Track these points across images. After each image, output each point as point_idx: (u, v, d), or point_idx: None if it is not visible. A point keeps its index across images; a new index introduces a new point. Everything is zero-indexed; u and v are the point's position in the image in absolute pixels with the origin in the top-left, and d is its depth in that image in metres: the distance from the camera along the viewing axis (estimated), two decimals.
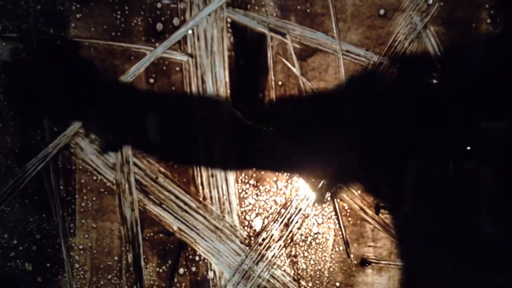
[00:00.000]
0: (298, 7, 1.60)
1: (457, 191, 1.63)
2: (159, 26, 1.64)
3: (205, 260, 1.74)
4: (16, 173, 1.70)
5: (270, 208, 1.71)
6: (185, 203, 1.72)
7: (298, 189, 1.70)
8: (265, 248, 1.73)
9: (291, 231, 1.72)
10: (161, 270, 1.75)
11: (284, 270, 1.73)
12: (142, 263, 1.75)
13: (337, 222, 1.71)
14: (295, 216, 1.71)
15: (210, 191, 1.71)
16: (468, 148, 1.60)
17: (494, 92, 1.58)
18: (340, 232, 1.71)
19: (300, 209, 1.70)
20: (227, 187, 1.71)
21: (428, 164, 1.63)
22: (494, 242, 1.64)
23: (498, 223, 1.63)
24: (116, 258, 1.75)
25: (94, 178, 1.72)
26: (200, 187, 1.71)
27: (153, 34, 1.65)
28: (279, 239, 1.72)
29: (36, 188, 1.72)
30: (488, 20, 1.56)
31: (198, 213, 1.72)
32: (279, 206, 1.71)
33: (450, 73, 1.58)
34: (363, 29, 1.61)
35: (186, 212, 1.72)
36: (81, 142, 1.70)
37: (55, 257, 1.75)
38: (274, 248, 1.73)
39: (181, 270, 1.75)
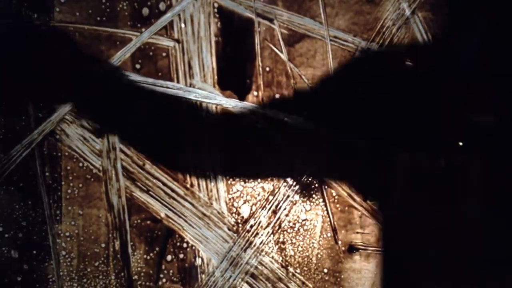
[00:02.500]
0: None
1: (447, 184, 1.64)
2: (145, 11, 1.62)
3: (193, 247, 1.74)
4: (1, 160, 1.68)
5: (258, 195, 1.71)
6: (173, 190, 1.71)
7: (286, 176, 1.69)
8: (253, 235, 1.72)
9: (279, 217, 1.72)
10: (148, 257, 1.75)
11: (272, 257, 1.73)
12: (130, 250, 1.74)
13: (325, 208, 1.70)
14: (283, 203, 1.71)
15: (197, 178, 1.70)
16: (460, 144, 1.60)
17: (483, 86, 1.58)
18: (328, 219, 1.71)
19: (288, 196, 1.70)
20: (214, 174, 1.70)
21: (417, 157, 1.63)
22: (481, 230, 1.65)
23: (486, 214, 1.64)
24: (103, 245, 1.74)
25: (80, 164, 1.70)
26: (188, 174, 1.70)
27: (139, 19, 1.63)
28: (267, 226, 1.72)
29: (21, 175, 1.70)
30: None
31: (185, 200, 1.72)
32: (267, 193, 1.71)
33: (440, 64, 1.58)
34: (351, 14, 1.60)
35: (174, 199, 1.71)
36: (67, 129, 1.68)
37: (41, 244, 1.73)
38: (262, 235, 1.72)
39: (169, 257, 1.75)
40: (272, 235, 1.73)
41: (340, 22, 1.61)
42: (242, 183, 1.70)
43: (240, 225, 1.73)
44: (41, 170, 1.69)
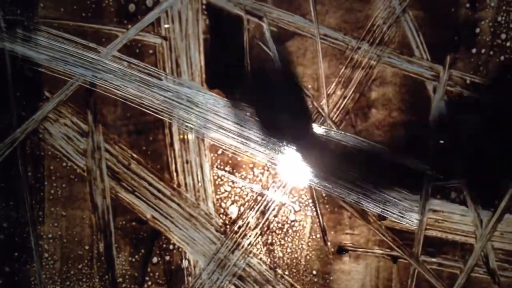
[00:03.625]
0: None
1: None
2: (132, 7, 1.59)
3: (180, 249, 1.71)
4: None
5: (246, 195, 1.68)
6: (159, 191, 1.68)
7: (275, 176, 1.67)
8: (241, 236, 1.70)
9: (267, 218, 1.69)
10: (134, 259, 1.71)
11: (260, 259, 1.71)
12: (114, 252, 1.70)
13: (314, 209, 1.68)
14: (271, 204, 1.68)
15: (184, 178, 1.67)
16: (442, 141, 1.59)
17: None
18: (317, 220, 1.69)
19: (277, 196, 1.68)
20: (202, 173, 1.67)
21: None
22: None
23: None
24: (87, 247, 1.70)
25: (64, 164, 1.66)
26: (175, 174, 1.67)
27: (125, 15, 1.59)
28: (255, 227, 1.69)
29: (3, 175, 1.65)
30: (468, 5, 1.55)
31: (172, 200, 1.68)
32: (256, 193, 1.68)
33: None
34: (341, 12, 1.58)
35: (160, 199, 1.68)
36: (50, 127, 1.64)
37: (23, 246, 1.69)
38: (250, 236, 1.70)
39: (155, 259, 1.71)
40: (260, 237, 1.70)
41: (330, 20, 1.59)
42: (231, 183, 1.68)
43: (228, 226, 1.70)
44: (23, 170, 1.65)
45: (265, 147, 1.64)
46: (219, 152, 1.66)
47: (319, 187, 1.65)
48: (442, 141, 1.61)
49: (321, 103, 1.63)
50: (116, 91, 1.62)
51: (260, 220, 1.69)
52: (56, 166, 1.66)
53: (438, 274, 1.70)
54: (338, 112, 1.63)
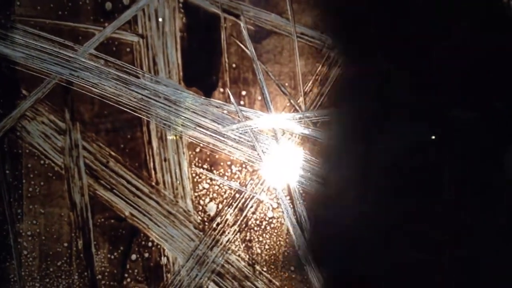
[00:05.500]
0: None
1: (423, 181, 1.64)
2: (108, 5, 1.59)
3: (158, 246, 1.71)
4: None
5: (225, 192, 1.69)
6: (137, 188, 1.68)
7: (253, 173, 1.68)
8: (220, 233, 1.71)
9: (245, 215, 1.70)
10: (112, 257, 1.72)
11: (239, 255, 1.72)
12: (93, 250, 1.71)
13: (291, 206, 1.69)
14: (249, 201, 1.69)
15: (163, 176, 1.68)
16: (433, 137, 1.60)
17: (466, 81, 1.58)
18: (295, 216, 1.70)
19: (255, 194, 1.69)
20: (180, 171, 1.68)
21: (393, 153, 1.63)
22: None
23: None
24: (65, 244, 1.70)
25: (42, 162, 1.66)
26: (153, 172, 1.68)
27: (102, 13, 1.59)
28: (233, 224, 1.70)
29: None
30: None
31: (150, 198, 1.69)
32: (234, 190, 1.69)
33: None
34: (317, 11, 1.59)
35: (138, 197, 1.69)
36: (28, 125, 1.64)
37: (2, 244, 1.69)
38: (228, 233, 1.71)
39: (134, 256, 1.72)
40: (238, 233, 1.71)
41: (307, 19, 1.59)
42: (209, 180, 1.68)
43: (206, 223, 1.71)
44: (1, 167, 1.65)
45: (243, 145, 1.65)
46: (197, 150, 1.67)
47: (296, 184, 1.67)
48: (433, 137, 1.61)
49: (298, 101, 1.63)
50: (93, 89, 1.62)
51: (238, 217, 1.70)
52: (34, 164, 1.66)
53: None
54: (315, 110, 1.64)
